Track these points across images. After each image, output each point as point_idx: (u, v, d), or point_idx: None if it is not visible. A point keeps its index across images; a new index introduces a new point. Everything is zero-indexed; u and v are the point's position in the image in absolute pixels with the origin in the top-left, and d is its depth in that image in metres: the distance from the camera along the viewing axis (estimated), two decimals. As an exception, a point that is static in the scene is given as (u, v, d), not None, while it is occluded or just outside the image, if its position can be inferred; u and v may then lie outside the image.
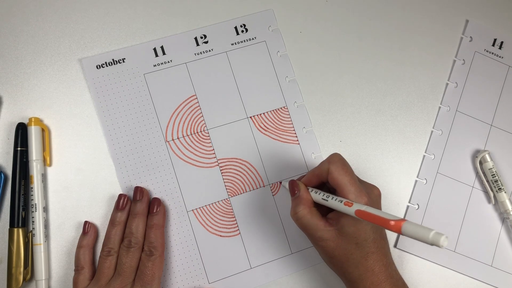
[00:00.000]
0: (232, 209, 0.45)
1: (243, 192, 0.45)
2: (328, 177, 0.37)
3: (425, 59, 0.50)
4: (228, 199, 0.45)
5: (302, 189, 0.39)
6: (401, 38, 0.50)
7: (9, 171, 0.43)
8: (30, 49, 0.45)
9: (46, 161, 0.43)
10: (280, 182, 0.45)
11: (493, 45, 0.52)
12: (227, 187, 0.45)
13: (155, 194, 0.44)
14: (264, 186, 0.45)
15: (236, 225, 0.45)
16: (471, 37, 0.51)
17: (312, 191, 0.39)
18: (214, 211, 0.45)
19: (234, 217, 0.45)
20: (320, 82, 0.48)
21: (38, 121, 0.43)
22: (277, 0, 0.49)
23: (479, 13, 0.52)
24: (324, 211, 0.39)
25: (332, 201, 0.36)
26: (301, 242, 0.45)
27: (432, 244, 0.28)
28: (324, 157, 0.46)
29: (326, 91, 0.48)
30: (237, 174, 0.45)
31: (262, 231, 0.45)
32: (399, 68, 0.50)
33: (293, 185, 0.40)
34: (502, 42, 0.52)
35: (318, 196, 0.38)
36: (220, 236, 0.44)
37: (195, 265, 0.43)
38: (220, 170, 0.45)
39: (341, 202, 0.35)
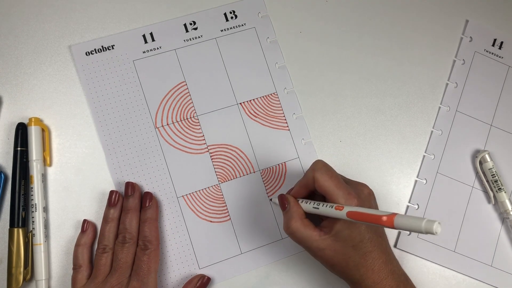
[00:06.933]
0: (222, 195, 0.45)
1: (233, 178, 0.45)
2: (315, 185, 0.37)
3: (425, 59, 0.50)
4: (218, 185, 0.45)
5: (292, 202, 0.39)
6: (401, 38, 0.50)
7: (9, 171, 0.43)
8: (30, 49, 0.45)
9: (46, 161, 0.43)
10: (271, 199, 0.45)
11: (493, 45, 0.52)
12: (217, 173, 0.45)
13: (145, 180, 0.44)
14: (254, 172, 0.46)
15: (227, 210, 0.45)
16: (471, 37, 0.51)
17: (302, 202, 0.39)
18: (204, 197, 0.45)
19: (225, 202, 0.45)
20: (319, 82, 0.48)
21: (38, 121, 0.43)
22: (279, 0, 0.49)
23: (479, 13, 0.52)
24: (318, 220, 0.39)
25: (323, 208, 0.36)
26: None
27: (426, 233, 0.28)
28: (314, 144, 0.47)
29: (326, 91, 0.48)
30: (227, 160, 0.46)
31: (253, 216, 0.45)
32: (399, 68, 0.50)
33: (282, 199, 0.40)
34: (502, 42, 0.52)
35: (309, 205, 0.38)
36: (211, 221, 0.44)
37: (186, 251, 0.44)
38: (210, 156, 0.45)
39: (331, 207, 0.35)
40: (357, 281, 0.37)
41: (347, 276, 0.37)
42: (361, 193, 0.38)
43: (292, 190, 0.41)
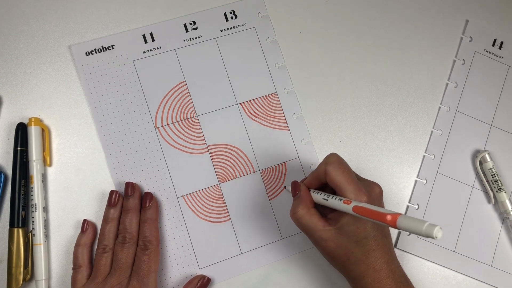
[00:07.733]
0: (222, 195, 0.45)
1: (233, 178, 0.45)
2: (326, 178, 0.37)
3: (425, 59, 0.50)
4: (219, 185, 0.45)
5: (303, 190, 0.39)
6: (401, 38, 0.50)
7: (9, 171, 0.43)
8: (30, 49, 0.45)
9: (46, 161, 0.43)
10: (285, 187, 0.46)
11: (493, 45, 0.52)
12: (217, 173, 0.45)
13: (145, 180, 0.44)
14: (254, 172, 0.46)
15: (227, 210, 0.45)
16: (471, 37, 0.51)
17: (313, 192, 0.39)
18: (204, 197, 0.45)
19: (225, 203, 0.45)
20: (319, 82, 0.48)
21: (38, 121, 0.43)
22: (281, 2, 0.49)
23: (479, 13, 0.52)
24: (327, 213, 0.39)
25: (332, 200, 0.36)
26: (291, 228, 0.45)
27: (426, 236, 0.28)
28: (314, 144, 0.47)
29: (326, 91, 0.48)
30: (227, 160, 0.46)
31: (253, 216, 0.45)
32: (399, 68, 0.50)
33: (295, 186, 0.40)
34: (502, 42, 0.52)
35: (319, 196, 0.38)
36: (211, 221, 0.44)
37: (186, 251, 0.44)
38: (210, 156, 0.45)
39: (340, 200, 0.35)
40: (356, 278, 0.37)
41: (347, 272, 0.37)
42: (372, 191, 0.38)
43: (305, 180, 0.41)
